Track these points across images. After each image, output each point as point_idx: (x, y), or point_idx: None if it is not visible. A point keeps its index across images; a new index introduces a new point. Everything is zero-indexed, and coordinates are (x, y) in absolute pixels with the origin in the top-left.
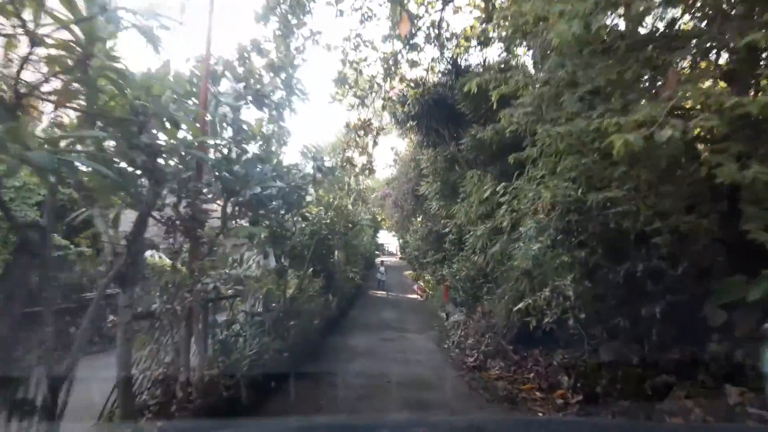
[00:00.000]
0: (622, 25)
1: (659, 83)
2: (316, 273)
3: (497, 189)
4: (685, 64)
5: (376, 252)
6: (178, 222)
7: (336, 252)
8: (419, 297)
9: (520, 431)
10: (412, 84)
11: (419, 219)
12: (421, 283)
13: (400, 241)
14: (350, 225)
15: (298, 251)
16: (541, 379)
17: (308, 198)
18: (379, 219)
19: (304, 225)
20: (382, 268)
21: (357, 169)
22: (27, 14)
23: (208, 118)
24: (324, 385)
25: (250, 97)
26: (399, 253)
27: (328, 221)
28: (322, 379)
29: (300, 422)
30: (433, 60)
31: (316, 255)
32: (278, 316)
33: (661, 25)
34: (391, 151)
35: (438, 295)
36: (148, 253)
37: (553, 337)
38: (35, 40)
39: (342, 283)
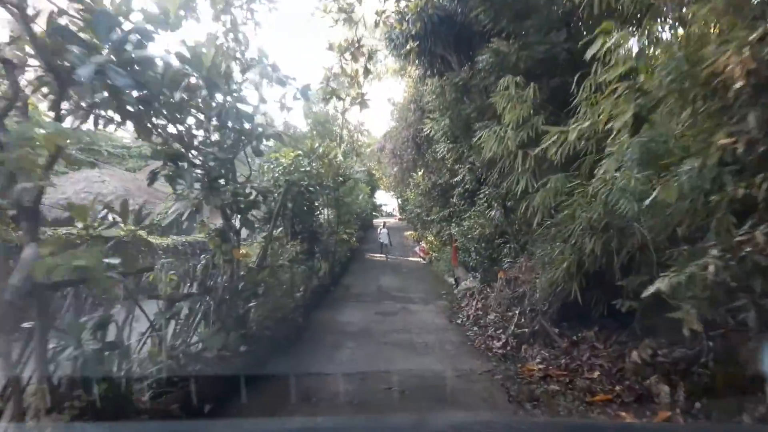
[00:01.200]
0: None
1: None
2: (297, 234)
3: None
4: None
5: (374, 213)
6: None
7: (326, 210)
8: (422, 260)
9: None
10: None
11: (420, 173)
12: (424, 245)
13: (399, 200)
14: (341, 179)
15: (258, 204)
16: (613, 382)
17: (271, 139)
18: (376, 177)
19: (276, 173)
20: (384, 230)
21: (346, 104)
22: None
23: None
24: (288, 397)
25: None
26: (398, 214)
27: (310, 170)
28: (287, 387)
29: (300, 422)
30: None
31: (296, 212)
32: (222, 297)
33: None
34: (387, 102)
35: (445, 258)
36: None
37: (617, 315)
38: None
39: (333, 246)
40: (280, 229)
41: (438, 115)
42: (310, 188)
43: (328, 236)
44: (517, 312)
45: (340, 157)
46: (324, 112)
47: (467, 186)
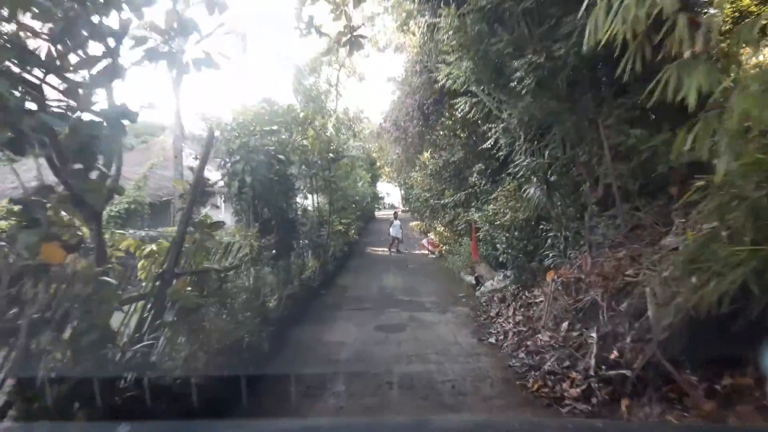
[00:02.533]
0: None
1: None
2: (265, 223)
3: None
4: None
5: (376, 206)
6: None
7: (314, 196)
8: (430, 254)
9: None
10: None
11: (428, 154)
12: (432, 236)
13: (402, 190)
14: (332, 155)
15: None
16: None
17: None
18: (378, 166)
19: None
20: (396, 222)
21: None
22: None
23: None
24: None
25: None
26: (401, 206)
27: (285, 137)
28: None
29: (300, 423)
30: None
31: (260, 191)
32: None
33: None
34: (388, 83)
35: (462, 251)
36: None
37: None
38: None
39: (325, 239)
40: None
41: (456, 58)
42: (279, 156)
43: (317, 227)
44: (593, 335)
45: (331, 130)
46: (316, 87)
47: (500, 154)
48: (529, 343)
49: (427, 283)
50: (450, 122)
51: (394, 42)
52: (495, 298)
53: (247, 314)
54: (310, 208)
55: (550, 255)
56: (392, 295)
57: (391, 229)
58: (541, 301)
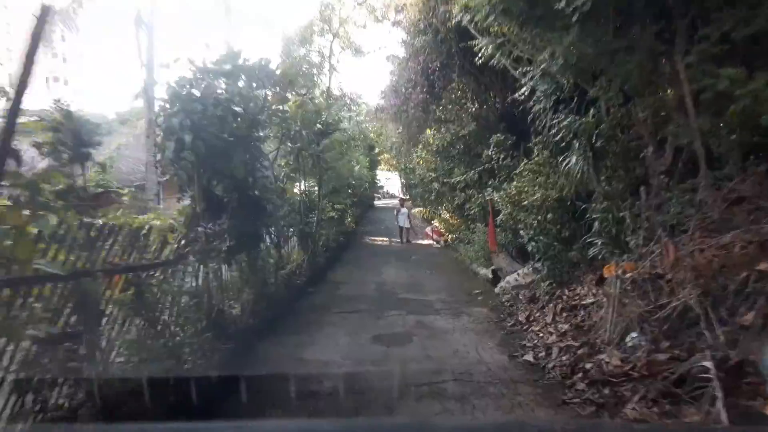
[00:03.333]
0: None
1: None
2: (219, 203)
3: None
4: None
5: (376, 195)
6: None
7: (301, 177)
8: (434, 243)
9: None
10: None
11: (431, 131)
12: (437, 224)
13: (402, 178)
14: (320, 126)
15: None
16: None
17: None
18: (376, 152)
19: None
20: (404, 209)
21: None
22: None
23: None
24: None
25: None
26: (401, 194)
27: (249, 93)
28: None
29: (300, 423)
30: None
31: (206, 156)
32: None
33: None
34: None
35: (476, 239)
36: None
37: None
38: None
39: (314, 227)
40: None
41: None
42: (237, 108)
43: (304, 213)
44: (708, 365)
45: (320, 99)
46: (307, 59)
47: (541, 108)
48: (588, 366)
49: (434, 277)
50: (459, 91)
51: (394, 3)
52: (521, 297)
53: (187, 329)
54: (296, 191)
55: (598, 243)
56: (394, 292)
57: (398, 218)
58: (590, 304)
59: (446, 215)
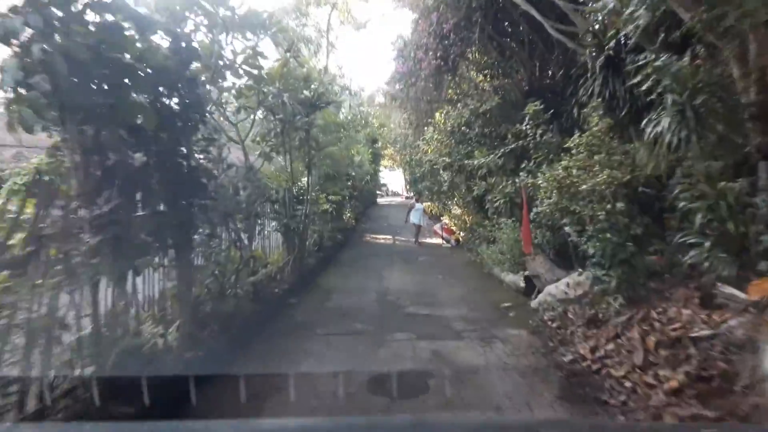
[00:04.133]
0: None
1: None
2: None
3: None
4: None
5: (378, 192)
6: None
7: (286, 159)
8: (444, 243)
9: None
10: None
11: (441, 113)
12: (447, 221)
13: (407, 174)
14: (309, 94)
15: None
16: None
17: None
18: (380, 146)
19: None
20: (418, 205)
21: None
22: None
23: None
24: None
25: None
26: (405, 192)
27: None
28: None
29: (300, 423)
30: None
31: (72, 89)
32: None
33: None
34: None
35: (501, 238)
36: None
37: None
38: None
39: (302, 223)
40: None
41: None
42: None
43: (288, 203)
44: None
45: (310, 63)
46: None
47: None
48: None
49: (449, 284)
50: (478, 60)
51: None
52: (572, 316)
53: None
54: (282, 177)
55: (705, 245)
56: (399, 304)
57: (411, 215)
58: (707, 338)
59: (457, 210)
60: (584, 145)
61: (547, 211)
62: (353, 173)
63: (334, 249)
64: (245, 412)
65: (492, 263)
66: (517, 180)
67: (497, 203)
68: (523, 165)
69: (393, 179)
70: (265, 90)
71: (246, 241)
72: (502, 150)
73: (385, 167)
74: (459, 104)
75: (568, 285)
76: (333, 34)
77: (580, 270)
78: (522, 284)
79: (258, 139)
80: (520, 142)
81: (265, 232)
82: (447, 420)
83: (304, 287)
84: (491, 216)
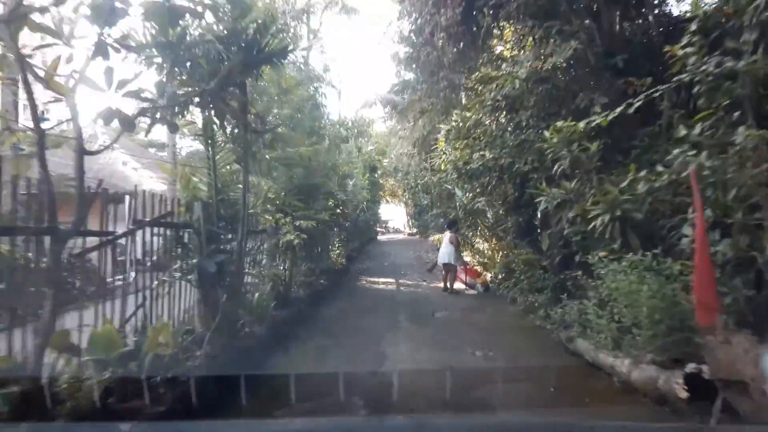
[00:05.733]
0: None
1: None
2: None
3: None
4: None
5: (379, 229)
6: None
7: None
8: (466, 287)
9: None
10: None
11: (473, 81)
12: (469, 261)
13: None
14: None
15: None
16: None
17: None
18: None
19: None
20: (449, 242)
21: None
22: None
23: None
24: None
25: None
26: (408, 229)
27: None
28: None
29: (300, 423)
30: None
31: None
32: None
33: None
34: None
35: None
36: None
37: None
38: None
39: (230, 260)
40: None
41: None
42: None
43: (203, 223)
44: None
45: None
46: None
47: None
48: None
49: (506, 377)
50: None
51: None
52: None
53: None
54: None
55: None
56: None
57: (441, 252)
58: None
59: (482, 243)
60: None
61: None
62: (342, 195)
63: (312, 300)
64: None
65: (574, 335)
66: (659, 169)
67: (594, 222)
68: (681, 131)
69: (395, 215)
70: None
71: None
72: (624, 104)
73: (387, 201)
74: (504, 65)
75: None
76: (315, 19)
77: None
78: (681, 392)
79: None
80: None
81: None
82: (447, 420)
83: (221, 389)
84: (562, 247)
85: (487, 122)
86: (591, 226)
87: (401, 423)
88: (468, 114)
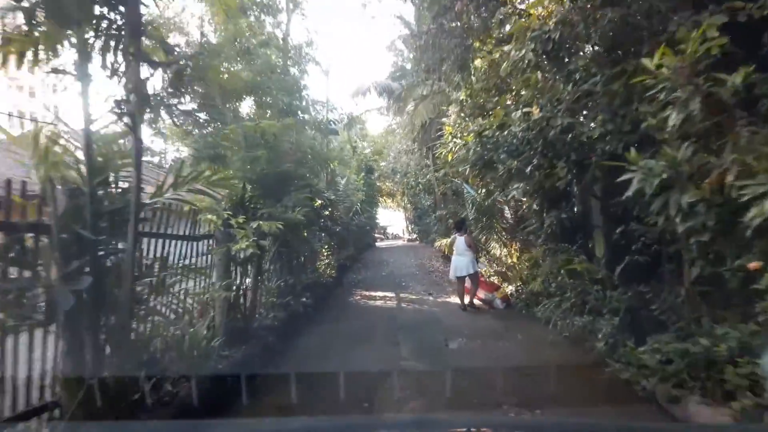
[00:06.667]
0: None
1: None
2: None
3: None
4: None
5: (377, 235)
6: None
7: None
8: (483, 304)
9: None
10: None
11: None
12: (485, 271)
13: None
14: None
15: None
16: None
17: None
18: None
19: None
20: (461, 238)
21: None
22: None
23: None
24: None
25: None
26: (408, 234)
27: None
28: None
29: (300, 422)
30: None
31: None
32: None
33: None
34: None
35: None
36: None
37: None
38: None
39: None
40: None
41: None
42: None
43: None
44: None
45: None
46: None
47: None
48: None
49: None
50: None
51: None
52: None
53: None
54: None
55: None
56: None
57: (456, 261)
58: None
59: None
60: None
61: None
62: (330, 194)
63: (284, 331)
64: None
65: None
66: None
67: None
68: None
69: (393, 221)
70: None
71: None
72: None
73: (385, 205)
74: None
75: None
76: None
77: None
78: None
79: None
80: None
81: None
82: (447, 419)
83: None
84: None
85: (529, 68)
86: (730, 215)
87: (401, 423)
88: (506, 51)
